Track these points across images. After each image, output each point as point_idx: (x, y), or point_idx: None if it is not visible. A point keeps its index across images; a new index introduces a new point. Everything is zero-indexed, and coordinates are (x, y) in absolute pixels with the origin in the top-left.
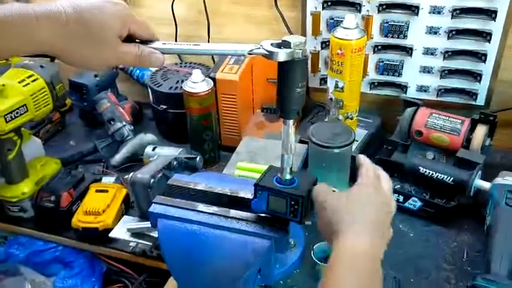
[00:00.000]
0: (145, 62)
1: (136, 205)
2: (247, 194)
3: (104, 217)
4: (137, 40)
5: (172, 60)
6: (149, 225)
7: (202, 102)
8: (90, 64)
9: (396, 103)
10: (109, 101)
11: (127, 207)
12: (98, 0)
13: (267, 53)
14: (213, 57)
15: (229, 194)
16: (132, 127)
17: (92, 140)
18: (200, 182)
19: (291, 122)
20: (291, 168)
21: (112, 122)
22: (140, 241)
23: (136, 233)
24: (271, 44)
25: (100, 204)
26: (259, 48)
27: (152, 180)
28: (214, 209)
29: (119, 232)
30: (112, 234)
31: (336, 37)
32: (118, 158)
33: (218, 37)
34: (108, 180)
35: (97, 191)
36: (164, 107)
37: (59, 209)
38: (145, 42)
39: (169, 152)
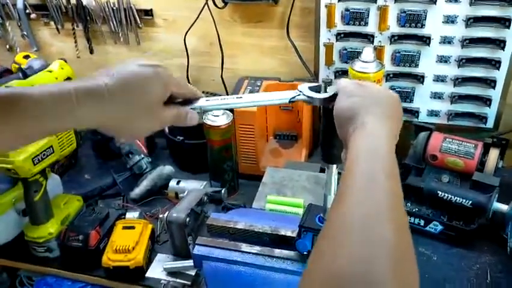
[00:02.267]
0: (182, 122)
1: (170, 243)
2: (288, 231)
3: (134, 254)
4: (178, 100)
5: None
6: (186, 264)
7: (223, 134)
8: (135, 133)
9: (407, 127)
10: None
11: (152, 243)
12: (137, 67)
13: (308, 99)
14: (225, 87)
15: (270, 232)
16: (150, 159)
17: (108, 174)
18: (238, 220)
19: (334, 166)
20: None
21: (131, 156)
22: (178, 280)
23: (172, 272)
24: (309, 88)
25: (128, 242)
26: (300, 94)
27: (188, 219)
28: (257, 248)
29: (155, 271)
30: (148, 274)
31: (354, 70)
32: (138, 191)
33: (231, 67)
34: (132, 215)
35: (124, 227)
36: (181, 138)
37: (87, 248)
38: (188, 100)
39: (193, 185)
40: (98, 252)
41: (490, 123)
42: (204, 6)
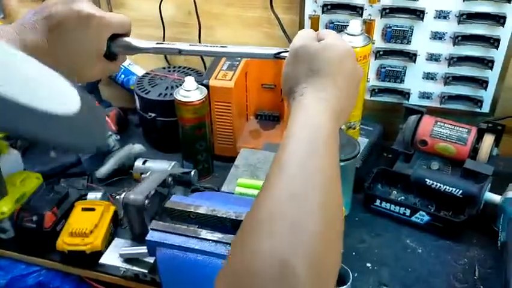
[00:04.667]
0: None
1: (129, 227)
2: None
3: (92, 239)
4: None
5: (159, 64)
6: (142, 251)
7: (196, 111)
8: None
9: (397, 110)
10: None
11: (115, 226)
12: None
13: None
14: (203, 61)
15: (234, 218)
16: (118, 137)
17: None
18: (201, 204)
19: None
20: None
21: None
22: (134, 268)
23: (129, 259)
24: None
25: (86, 225)
26: (288, 51)
27: (146, 202)
28: (218, 235)
29: (111, 258)
30: (102, 260)
31: None
32: (103, 170)
33: (209, 40)
34: (94, 196)
35: (83, 209)
36: (152, 115)
37: (42, 229)
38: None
39: (161, 165)
40: (54, 235)
41: (486, 108)
42: None
